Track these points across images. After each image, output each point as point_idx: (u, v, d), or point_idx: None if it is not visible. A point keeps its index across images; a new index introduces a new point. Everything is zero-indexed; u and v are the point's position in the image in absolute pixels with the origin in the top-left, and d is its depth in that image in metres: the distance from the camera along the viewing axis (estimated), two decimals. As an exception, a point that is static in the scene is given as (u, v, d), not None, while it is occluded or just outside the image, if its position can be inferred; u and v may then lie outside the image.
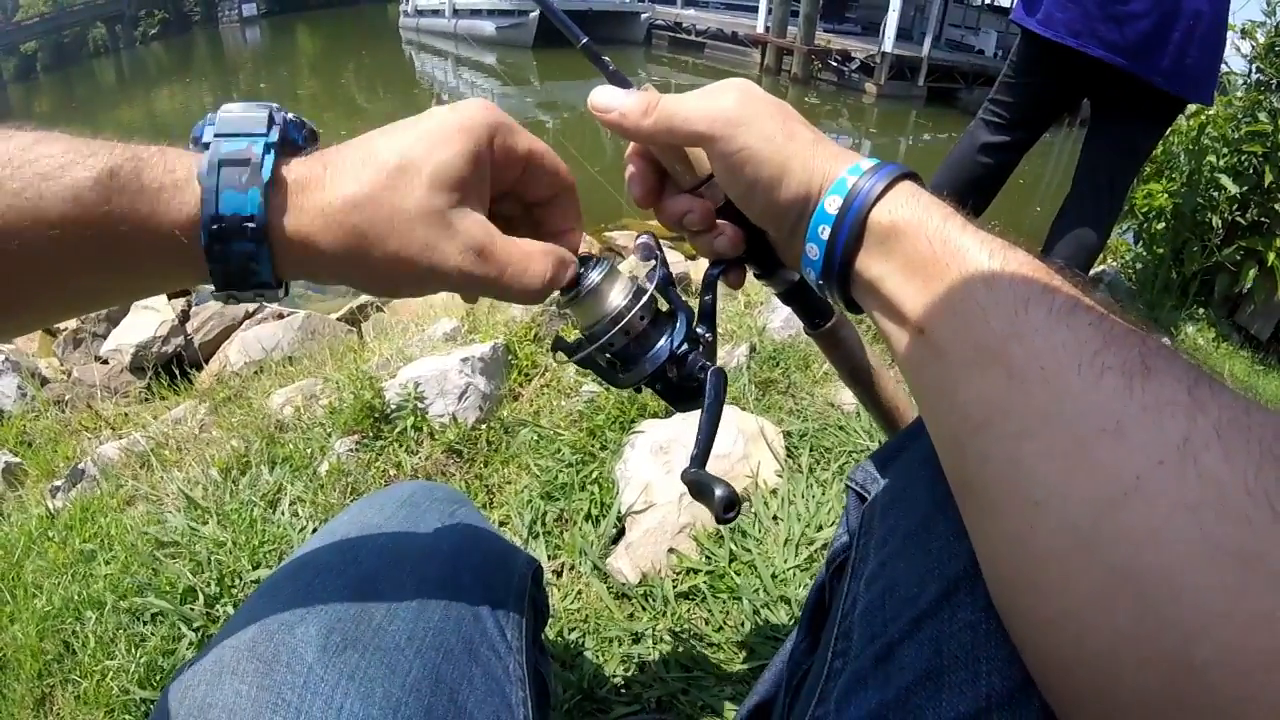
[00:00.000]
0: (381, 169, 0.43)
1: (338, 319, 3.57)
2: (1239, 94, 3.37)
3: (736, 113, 0.49)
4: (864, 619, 0.50)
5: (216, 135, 0.42)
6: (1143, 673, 0.29)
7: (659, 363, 0.54)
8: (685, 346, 0.54)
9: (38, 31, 35.99)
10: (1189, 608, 0.28)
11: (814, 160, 0.49)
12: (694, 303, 0.57)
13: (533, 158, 0.50)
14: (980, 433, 0.38)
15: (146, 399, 2.87)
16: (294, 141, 0.45)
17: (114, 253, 0.40)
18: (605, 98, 0.53)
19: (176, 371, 3.17)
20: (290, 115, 0.45)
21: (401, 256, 0.44)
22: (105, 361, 3.56)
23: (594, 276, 0.53)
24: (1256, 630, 0.27)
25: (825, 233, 0.48)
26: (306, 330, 3.23)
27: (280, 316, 3.60)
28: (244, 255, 0.42)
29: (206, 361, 3.50)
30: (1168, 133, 3.12)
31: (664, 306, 0.57)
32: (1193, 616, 0.28)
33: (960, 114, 16.23)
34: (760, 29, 22.68)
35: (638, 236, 0.58)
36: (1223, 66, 3.31)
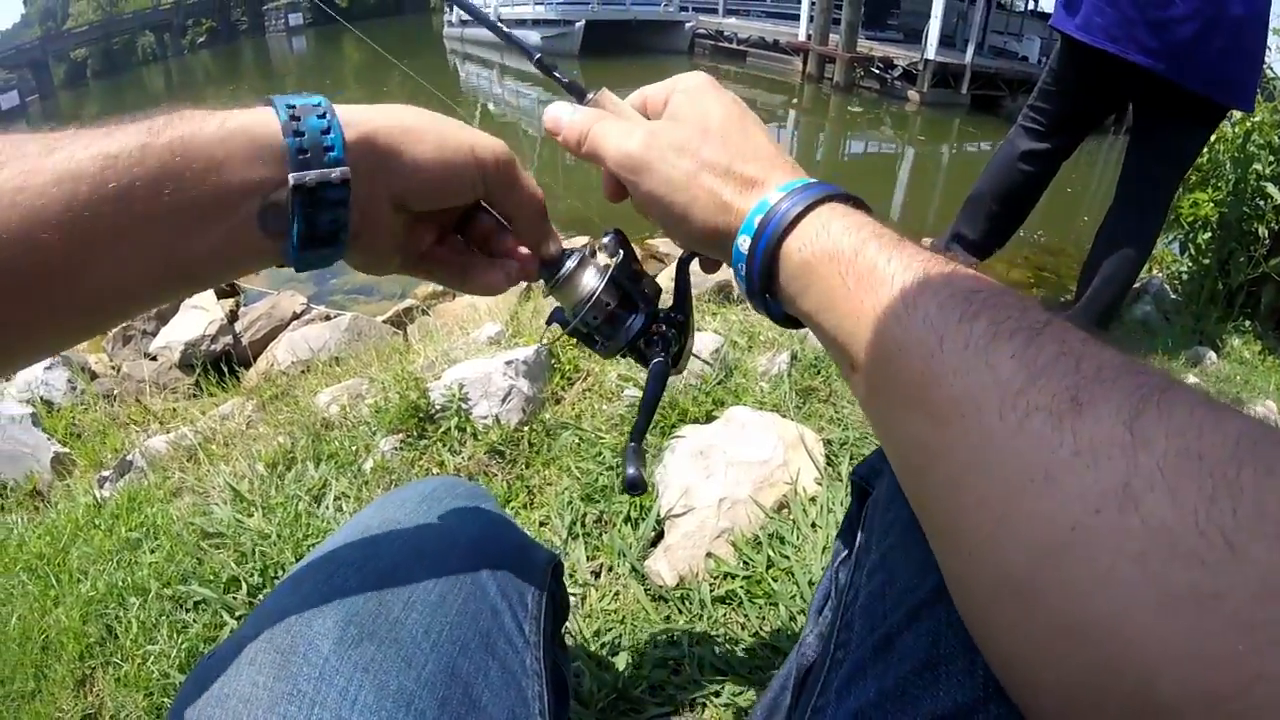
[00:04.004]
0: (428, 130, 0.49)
1: (384, 321, 3.61)
2: (1286, 100, 3.29)
3: (639, 156, 0.50)
4: (865, 610, 0.50)
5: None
6: (1103, 709, 0.28)
7: (627, 339, 0.61)
8: (653, 325, 0.61)
9: (87, 39, 36.87)
10: (1144, 653, 0.27)
11: (722, 194, 0.48)
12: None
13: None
14: (916, 477, 0.38)
15: (194, 395, 2.93)
16: None
17: (190, 225, 0.41)
18: (554, 116, 0.55)
19: (225, 369, 3.23)
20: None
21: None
22: (154, 358, 3.63)
23: (568, 265, 0.59)
24: (1221, 668, 0.25)
25: (743, 270, 0.47)
26: (353, 332, 3.28)
27: (327, 318, 3.66)
28: (336, 200, 0.44)
29: (254, 360, 3.56)
30: (1213, 140, 3.05)
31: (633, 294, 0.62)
32: (1150, 661, 0.26)
33: (1004, 122, 15.96)
34: (802, 37, 22.53)
35: (604, 232, 0.63)
36: (1269, 71, 3.24)
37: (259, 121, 0.43)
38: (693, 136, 0.50)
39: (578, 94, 0.57)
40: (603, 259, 0.60)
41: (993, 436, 0.32)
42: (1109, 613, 0.28)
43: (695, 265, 0.63)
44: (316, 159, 0.43)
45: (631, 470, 0.52)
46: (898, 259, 0.40)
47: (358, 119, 0.45)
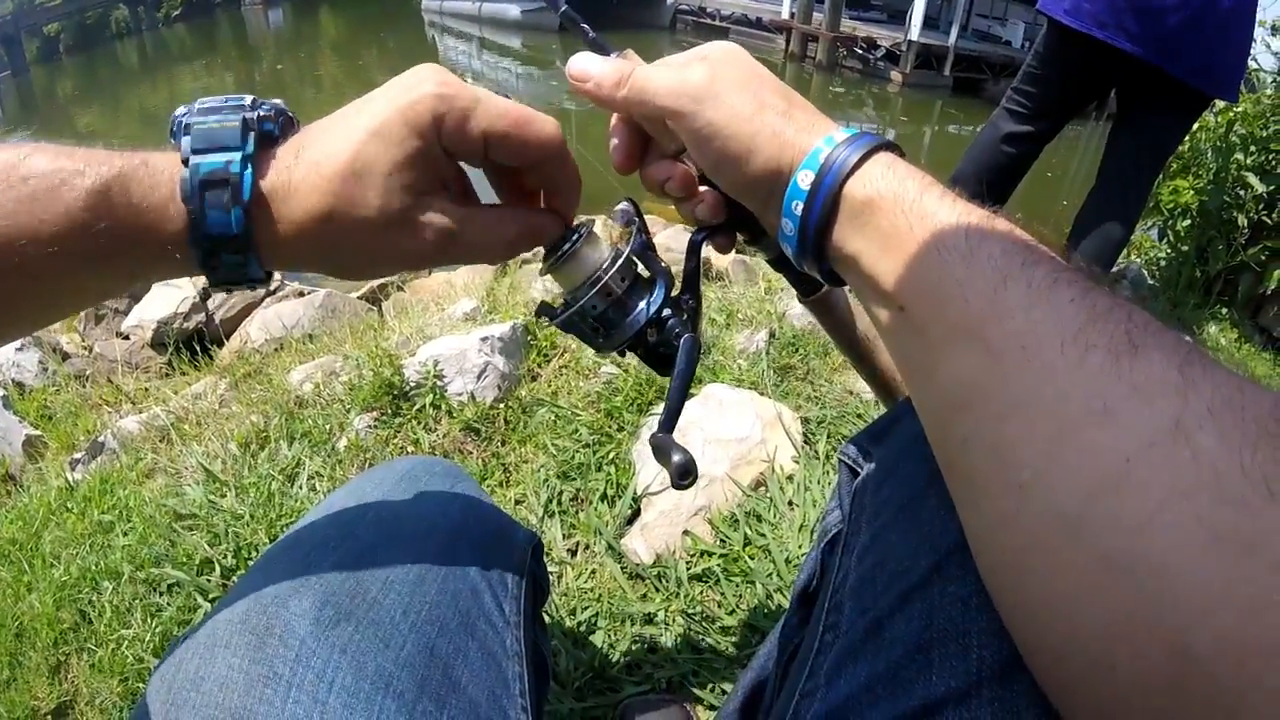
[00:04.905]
0: (336, 178, 0.44)
1: (358, 297, 3.57)
2: (1268, 91, 3.31)
3: (702, 87, 0.48)
4: (855, 593, 0.50)
5: (194, 150, 0.42)
6: (1138, 661, 0.29)
7: (637, 327, 0.54)
8: (666, 311, 0.55)
9: (60, 13, 36.07)
10: (1186, 596, 0.27)
11: (785, 132, 0.47)
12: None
13: (491, 139, 0.47)
14: (961, 414, 0.37)
15: (167, 374, 2.89)
16: (270, 133, 0.45)
17: (110, 262, 0.42)
18: (582, 66, 0.53)
19: (197, 347, 3.19)
20: (265, 109, 0.46)
21: (373, 257, 0.48)
22: (126, 337, 3.58)
23: (574, 240, 0.53)
24: (1257, 617, 0.26)
25: (799, 208, 0.46)
26: (327, 308, 3.25)
27: (301, 294, 3.61)
28: (234, 264, 0.44)
29: (227, 338, 3.51)
30: (1195, 129, 3.08)
31: (646, 274, 0.56)
32: (1190, 604, 0.27)
33: (986, 105, 16.00)
34: (785, 15, 22.52)
35: (618, 203, 0.58)
36: (1251, 63, 3.27)
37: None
38: (750, 78, 0.50)
39: (601, 51, 0.54)
40: (610, 234, 0.57)
41: (1054, 369, 0.33)
42: (1158, 547, 0.28)
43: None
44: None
45: (679, 457, 0.46)
46: (960, 207, 0.42)
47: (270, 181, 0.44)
